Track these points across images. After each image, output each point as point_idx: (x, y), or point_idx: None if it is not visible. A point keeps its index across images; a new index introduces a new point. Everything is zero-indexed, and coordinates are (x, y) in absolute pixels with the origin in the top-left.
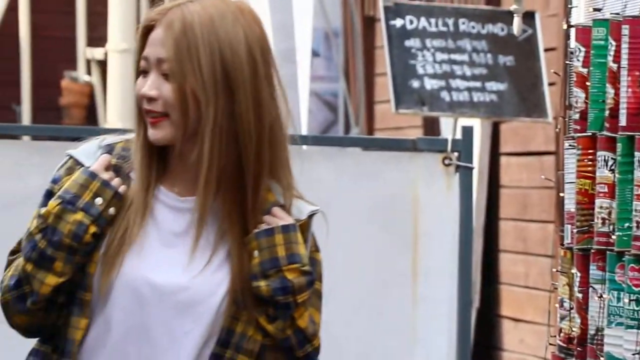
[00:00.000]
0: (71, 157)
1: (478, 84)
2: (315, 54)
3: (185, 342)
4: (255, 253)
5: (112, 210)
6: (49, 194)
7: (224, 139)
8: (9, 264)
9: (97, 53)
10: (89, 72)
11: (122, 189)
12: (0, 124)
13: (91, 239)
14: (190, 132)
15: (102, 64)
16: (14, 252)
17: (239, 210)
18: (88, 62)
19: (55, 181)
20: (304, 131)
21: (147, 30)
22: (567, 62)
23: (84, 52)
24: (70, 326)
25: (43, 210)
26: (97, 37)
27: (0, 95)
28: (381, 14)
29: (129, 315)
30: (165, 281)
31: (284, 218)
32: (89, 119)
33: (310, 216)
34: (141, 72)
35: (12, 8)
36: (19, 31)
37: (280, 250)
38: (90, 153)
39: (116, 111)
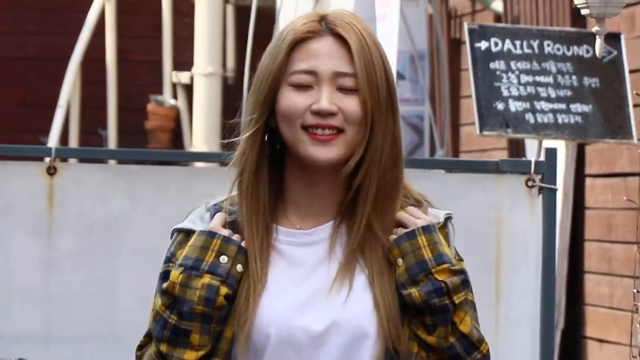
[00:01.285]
0: (179, 231)
1: (563, 106)
2: (400, 76)
3: None
4: (399, 261)
5: (239, 267)
6: (165, 275)
7: (383, 161)
8: (139, 359)
9: (183, 77)
10: (174, 96)
11: (244, 243)
12: (87, 148)
13: (224, 302)
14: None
15: (188, 88)
16: (141, 347)
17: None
18: (174, 85)
19: (168, 260)
20: None
21: (296, 42)
22: None
23: (170, 75)
24: None
25: (165, 284)
26: (183, 61)
27: (87, 120)
28: (466, 37)
29: None
30: (314, 320)
31: (422, 217)
32: (175, 143)
33: (447, 219)
34: (295, 87)
35: (99, 34)
36: (105, 56)
37: (426, 252)
38: (197, 219)
39: (202, 135)
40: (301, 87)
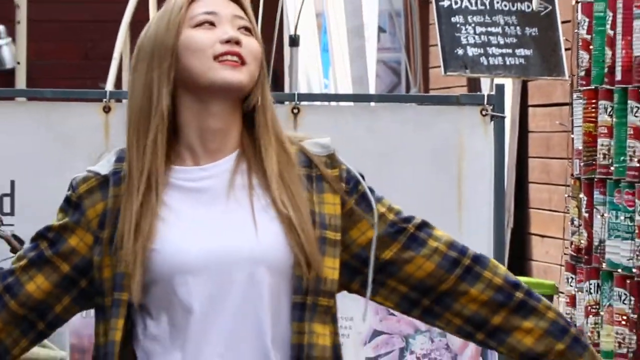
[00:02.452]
0: (88, 169)
1: (509, 51)
2: (381, 30)
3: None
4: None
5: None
6: (67, 202)
7: (269, 99)
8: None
9: None
10: None
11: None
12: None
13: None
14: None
15: None
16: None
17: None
18: None
19: (74, 188)
20: (372, 91)
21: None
22: (575, 31)
23: None
24: (109, 329)
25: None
26: None
27: None
28: None
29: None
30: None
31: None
32: None
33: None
34: (201, 25)
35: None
36: (149, 17)
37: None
38: (104, 163)
39: None
40: (204, 26)
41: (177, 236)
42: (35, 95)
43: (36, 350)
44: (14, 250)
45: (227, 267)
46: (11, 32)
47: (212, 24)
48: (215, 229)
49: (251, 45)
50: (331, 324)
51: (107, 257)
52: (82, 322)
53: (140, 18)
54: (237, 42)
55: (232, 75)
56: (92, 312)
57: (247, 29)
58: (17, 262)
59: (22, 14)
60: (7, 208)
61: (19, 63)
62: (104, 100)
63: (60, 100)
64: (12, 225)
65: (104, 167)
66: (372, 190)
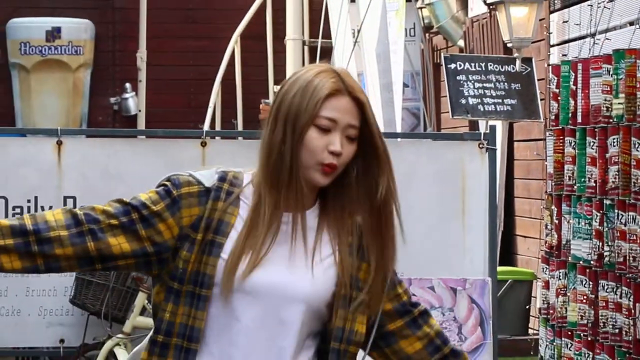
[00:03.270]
0: (192, 176)
1: (499, 100)
2: (405, 85)
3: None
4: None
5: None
6: (167, 193)
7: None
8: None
9: (276, 88)
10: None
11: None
12: (224, 130)
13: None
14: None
15: None
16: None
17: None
18: (275, 93)
19: (177, 186)
20: (399, 130)
21: (330, 95)
22: (548, 86)
23: (273, 87)
24: (192, 317)
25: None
26: (280, 79)
27: (226, 115)
28: (443, 61)
29: (254, 307)
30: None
31: None
32: None
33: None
34: (319, 128)
35: (230, 64)
36: (235, 76)
37: None
38: (208, 176)
39: None
40: (324, 130)
41: (267, 269)
42: (152, 134)
43: (151, 321)
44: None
45: (279, 297)
46: (134, 88)
47: (328, 130)
48: (284, 267)
49: (347, 154)
50: None
51: (197, 255)
52: None
53: (229, 77)
54: (339, 155)
55: (321, 179)
56: None
57: (352, 138)
58: (105, 217)
59: (142, 75)
60: None
61: (140, 111)
62: (202, 137)
63: (169, 138)
64: None
65: (208, 179)
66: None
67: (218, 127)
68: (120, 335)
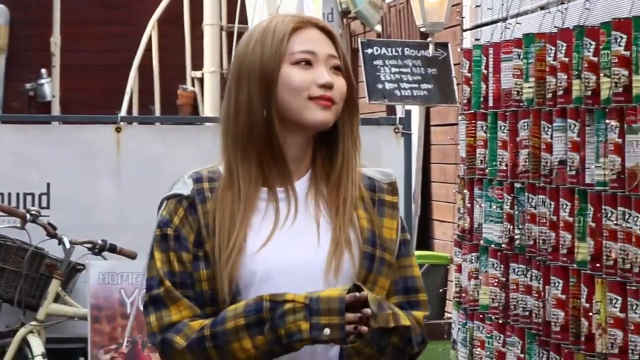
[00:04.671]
0: (168, 198)
1: (416, 85)
2: None
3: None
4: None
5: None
6: (165, 237)
7: (354, 132)
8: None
9: (197, 73)
10: (193, 85)
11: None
12: (140, 116)
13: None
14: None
15: (201, 80)
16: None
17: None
18: (192, 79)
19: (164, 225)
20: None
21: (293, 30)
22: (461, 70)
23: (191, 73)
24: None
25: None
26: (198, 64)
27: (144, 101)
28: (360, 46)
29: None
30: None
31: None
32: (194, 112)
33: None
34: (297, 64)
35: (148, 49)
36: (152, 62)
37: None
38: (182, 185)
39: (209, 107)
40: (302, 65)
41: (265, 249)
42: (66, 119)
43: (65, 308)
44: (49, 234)
45: (298, 279)
46: (50, 74)
47: (309, 62)
48: (289, 244)
49: (340, 86)
50: None
51: (199, 272)
52: (100, 287)
53: (146, 63)
54: (331, 87)
55: (323, 116)
56: (108, 278)
57: (337, 67)
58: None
59: (56, 60)
60: (44, 203)
61: (54, 96)
62: (116, 122)
63: (84, 123)
64: (48, 216)
65: (185, 188)
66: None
67: (136, 113)
68: (33, 323)
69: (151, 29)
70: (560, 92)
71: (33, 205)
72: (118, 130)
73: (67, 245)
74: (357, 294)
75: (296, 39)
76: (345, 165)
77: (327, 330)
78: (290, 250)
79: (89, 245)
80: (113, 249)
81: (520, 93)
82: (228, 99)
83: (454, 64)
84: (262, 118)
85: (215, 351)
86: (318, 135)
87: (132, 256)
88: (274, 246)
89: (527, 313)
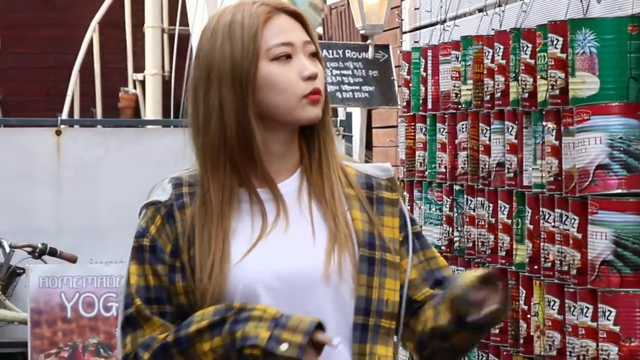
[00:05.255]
0: (147, 206)
1: (357, 87)
2: None
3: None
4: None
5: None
6: (141, 249)
7: (329, 120)
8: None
9: (139, 76)
10: (135, 87)
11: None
12: (80, 119)
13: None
14: None
15: (142, 83)
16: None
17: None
18: (134, 81)
19: (141, 235)
20: None
21: (266, 20)
22: (400, 73)
23: (132, 75)
24: None
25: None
26: (139, 66)
27: (85, 103)
28: None
29: None
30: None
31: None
32: (135, 115)
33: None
34: (277, 60)
35: (89, 52)
36: (93, 65)
37: None
38: (160, 191)
39: (151, 110)
40: (283, 60)
41: (251, 256)
42: (5, 122)
43: (4, 312)
44: None
45: (294, 286)
46: None
47: (288, 56)
48: (281, 250)
49: (321, 73)
50: (393, 346)
51: (176, 285)
52: (40, 291)
53: (88, 65)
54: (315, 77)
55: (316, 112)
56: (48, 282)
57: (314, 54)
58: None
59: None
60: None
61: None
62: (57, 125)
63: (24, 126)
64: None
65: (163, 194)
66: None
67: (77, 116)
68: None
69: (92, 32)
70: (498, 95)
71: None
72: (58, 133)
73: (7, 249)
74: (326, 339)
75: (269, 31)
76: (325, 157)
77: (284, 346)
78: (281, 256)
79: (29, 249)
80: (53, 252)
81: (458, 95)
82: (195, 105)
83: (395, 66)
84: (237, 125)
85: (181, 357)
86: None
87: (73, 260)
88: (261, 253)
89: None
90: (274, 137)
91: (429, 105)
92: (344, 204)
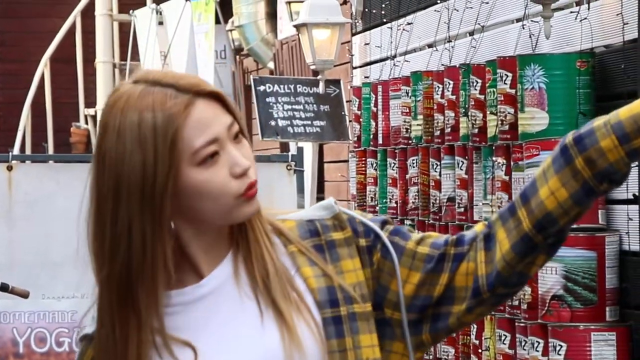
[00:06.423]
0: (80, 340)
1: (309, 122)
2: None
3: None
4: None
5: None
6: None
7: None
8: None
9: (91, 111)
10: (86, 122)
11: None
12: (33, 155)
13: None
14: None
15: (94, 117)
16: None
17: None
18: (86, 116)
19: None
20: None
21: (184, 117)
22: (351, 108)
23: (84, 110)
24: None
25: None
26: (91, 101)
27: (37, 138)
28: (252, 83)
29: None
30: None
31: None
32: (87, 150)
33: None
34: (202, 163)
35: (40, 86)
36: (45, 100)
37: None
38: (91, 320)
39: None
40: (208, 161)
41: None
42: None
43: None
44: None
45: None
46: None
47: (216, 153)
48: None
49: (249, 155)
50: None
51: None
52: None
53: (39, 100)
54: (248, 168)
55: (254, 207)
56: (0, 317)
57: (237, 134)
58: None
59: None
60: None
61: None
62: (8, 161)
63: None
64: None
65: (92, 324)
66: (397, 231)
67: (28, 151)
68: None
69: (44, 67)
70: (448, 130)
71: None
72: (10, 168)
73: None
74: None
75: (191, 130)
76: (251, 231)
77: None
78: (226, 357)
79: None
80: (5, 288)
81: (409, 130)
82: (99, 222)
83: (346, 101)
84: (153, 254)
85: None
86: None
87: (25, 295)
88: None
89: None
90: (204, 231)
91: (380, 140)
92: (290, 266)
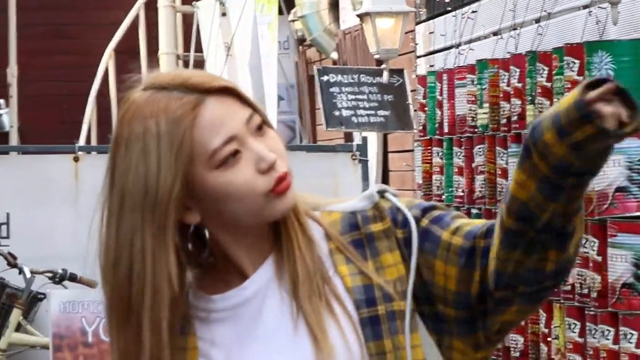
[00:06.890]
0: None
1: (373, 112)
2: (280, 98)
3: None
4: None
5: None
6: None
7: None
8: None
9: None
10: None
11: None
12: (101, 145)
13: None
14: None
15: None
16: None
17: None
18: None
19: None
20: None
21: (194, 119)
22: (416, 97)
23: None
24: None
25: None
26: None
27: (102, 130)
28: (316, 73)
29: None
30: None
31: None
32: None
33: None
34: (223, 165)
35: (104, 79)
36: (109, 92)
37: None
38: None
39: None
40: (230, 161)
41: None
42: (24, 149)
43: (26, 337)
44: (9, 264)
45: None
46: (7, 104)
47: (237, 151)
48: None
49: (277, 146)
50: None
51: None
52: (61, 316)
53: (103, 92)
54: (274, 160)
55: (288, 203)
56: (69, 307)
57: (260, 126)
58: None
59: (13, 90)
60: (4, 233)
61: (12, 126)
62: (74, 152)
63: (42, 153)
64: (8, 245)
65: None
66: (439, 219)
67: (94, 143)
68: None
69: (107, 59)
70: (514, 118)
71: None
72: (76, 159)
73: (28, 275)
74: None
75: (204, 132)
76: (284, 228)
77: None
78: None
79: (50, 275)
80: (73, 278)
81: (475, 119)
82: (105, 235)
83: (410, 90)
84: (154, 265)
85: None
86: None
87: (92, 285)
88: None
89: None
90: (243, 234)
91: (445, 129)
92: (329, 266)
